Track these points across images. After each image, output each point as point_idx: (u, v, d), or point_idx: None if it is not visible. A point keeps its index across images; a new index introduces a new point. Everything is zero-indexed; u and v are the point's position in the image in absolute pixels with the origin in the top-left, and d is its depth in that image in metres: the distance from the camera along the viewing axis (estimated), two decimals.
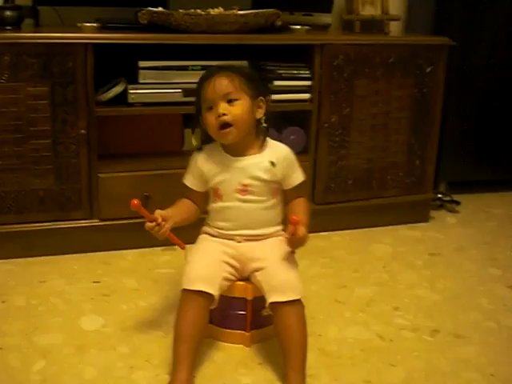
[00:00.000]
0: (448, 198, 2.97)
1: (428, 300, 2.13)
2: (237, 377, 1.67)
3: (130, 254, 2.36)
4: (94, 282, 2.15)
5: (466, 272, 2.36)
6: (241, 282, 1.78)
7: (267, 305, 1.67)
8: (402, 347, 1.84)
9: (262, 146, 1.79)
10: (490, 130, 3.09)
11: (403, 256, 2.47)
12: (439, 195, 2.95)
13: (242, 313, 1.81)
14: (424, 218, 2.81)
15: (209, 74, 1.75)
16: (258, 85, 1.79)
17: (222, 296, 1.75)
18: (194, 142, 1.84)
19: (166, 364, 1.69)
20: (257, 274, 1.72)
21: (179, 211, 1.79)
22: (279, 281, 1.66)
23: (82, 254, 2.32)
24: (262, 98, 1.78)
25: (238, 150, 1.78)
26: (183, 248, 1.82)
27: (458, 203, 2.95)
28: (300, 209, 1.81)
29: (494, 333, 1.94)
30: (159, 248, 2.38)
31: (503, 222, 2.88)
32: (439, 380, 1.70)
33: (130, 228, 2.35)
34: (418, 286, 2.22)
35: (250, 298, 1.78)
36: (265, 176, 1.76)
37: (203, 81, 1.75)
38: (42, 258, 2.28)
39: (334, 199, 2.59)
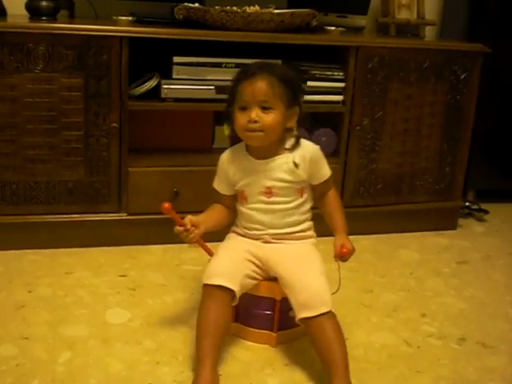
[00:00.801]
0: (476, 207, 2.94)
1: (455, 308, 2.11)
2: (263, 377, 1.66)
3: (156, 249, 2.36)
4: (121, 276, 2.14)
5: (494, 282, 2.33)
6: (269, 282, 1.77)
7: (297, 320, 1.65)
8: (429, 354, 1.82)
9: (288, 148, 1.76)
10: None
11: (430, 263, 2.44)
12: (467, 203, 2.92)
13: (270, 313, 1.79)
14: (452, 225, 2.78)
15: (249, 72, 1.70)
16: (296, 91, 1.74)
17: (249, 295, 1.75)
18: (226, 131, 1.83)
19: (191, 361, 1.68)
20: (284, 283, 1.71)
21: (211, 217, 1.79)
22: (307, 296, 1.64)
23: (109, 248, 2.32)
24: (296, 108, 1.74)
25: (262, 152, 1.76)
26: (211, 255, 1.80)
27: (486, 212, 2.92)
28: (336, 213, 1.81)
29: None
30: (186, 244, 2.34)
31: None
32: None
33: (158, 223, 2.33)
34: (445, 294, 2.20)
35: (278, 298, 1.76)
36: (288, 177, 1.74)
37: (242, 78, 1.70)
38: (69, 249, 2.28)
39: (363, 203, 2.57)
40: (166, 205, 1.65)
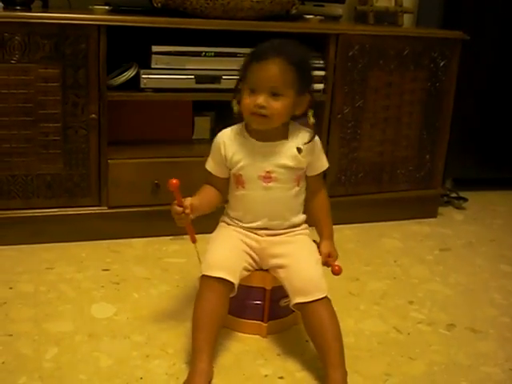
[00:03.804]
0: (455, 195, 2.95)
1: (442, 294, 2.11)
2: (256, 368, 1.63)
3: (138, 243, 2.31)
4: (104, 270, 2.09)
5: (477, 268, 2.34)
6: (259, 272, 1.75)
7: (291, 305, 1.64)
8: (420, 341, 1.82)
9: (287, 132, 1.72)
10: (496, 128, 3.07)
11: (413, 251, 2.44)
12: (447, 191, 2.93)
13: (260, 303, 1.77)
14: (432, 213, 2.79)
15: (263, 53, 1.61)
16: (309, 77, 1.69)
17: (239, 285, 1.71)
18: (235, 108, 1.72)
19: (182, 353, 1.65)
20: (279, 270, 1.69)
21: (204, 201, 1.71)
22: (303, 281, 1.62)
23: (90, 242, 2.27)
24: (307, 95, 1.68)
25: (264, 135, 1.69)
26: (194, 242, 1.73)
27: (465, 200, 2.93)
28: (325, 218, 1.80)
29: (509, 328, 1.93)
30: (167, 237, 2.34)
31: (510, 220, 2.87)
32: (460, 373, 1.67)
33: (139, 216, 2.32)
34: (431, 281, 2.20)
35: (268, 287, 1.74)
36: (290, 163, 1.70)
37: (254, 59, 1.63)
38: (49, 244, 2.23)
39: (344, 192, 2.56)
40: (174, 181, 1.57)
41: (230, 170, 1.74)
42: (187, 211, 1.62)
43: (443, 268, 2.31)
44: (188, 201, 1.63)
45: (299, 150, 1.70)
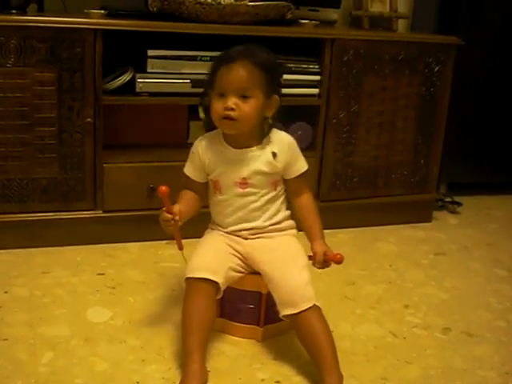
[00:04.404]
0: (449, 199, 2.95)
1: (437, 299, 2.11)
2: (252, 372, 1.63)
3: (133, 247, 2.31)
4: (99, 274, 2.09)
5: (472, 272, 2.34)
6: (255, 276, 1.74)
7: (280, 316, 1.63)
8: (416, 345, 1.82)
9: (263, 137, 1.71)
10: (491, 132, 3.08)
11: (408, 255, 2.45)
12: (442, 196, 2.94)
13: (255, 307, 1.76)
14: (427, 218, 2.79)
15: (229, 57, 1.63)
16: (276, 79, 1.70)
17: (234, 289, 1.72)
18: (202, 114, 1.75)
19: (177, 357, 1.65)
20: (267, 280, 1.68)
21: (188, 207, 1.71)
22: (289, 292, 1.61)
23: (85, 246, 2.27)
24: (276, 96, 1.69)
25: (239, 141, 1.70)
26: (181, 249, 1.72)
27: (459, 204, 2.94)
28: (313, 218, 1.76)
29: (505, 332, 1.93)
30: (163, 241, 2.33)
31: (504, 225, 2.88)
32: (456, 377, 1.67)
33: (134, 220, 2.32)
34: (426, 285, 2.20)
35: (264, 292, 1.74)
36: (265, 168, 1.70)
37: (221, 63, 1.64)
38: (44, 248, 2.22)
39: (339, 196, 2.56)
40: (164, 188, 1.57)
41: (208, 175, 1.75)
42: (176, 218, 1.62)
43: (438, 272, 2.31)
44: (177, 208, 1.64)
45: (274, 154, 1.70)
